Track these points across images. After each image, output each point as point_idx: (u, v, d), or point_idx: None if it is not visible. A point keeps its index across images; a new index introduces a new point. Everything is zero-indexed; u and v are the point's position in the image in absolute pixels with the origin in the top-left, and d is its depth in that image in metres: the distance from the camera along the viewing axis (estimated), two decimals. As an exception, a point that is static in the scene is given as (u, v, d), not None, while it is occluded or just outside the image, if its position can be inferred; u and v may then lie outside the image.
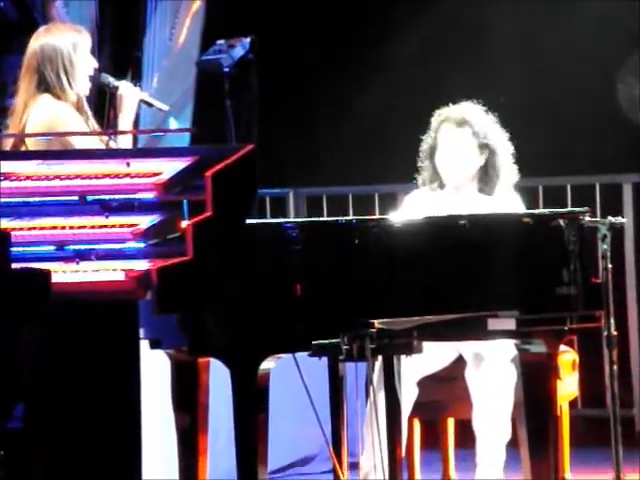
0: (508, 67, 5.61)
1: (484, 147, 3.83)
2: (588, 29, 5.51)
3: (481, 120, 3.84)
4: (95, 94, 3.87)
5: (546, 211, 3.46)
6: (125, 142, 3.77)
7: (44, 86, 3.74)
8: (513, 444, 3.64)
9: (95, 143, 3.73)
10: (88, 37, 3.82)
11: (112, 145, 3.76)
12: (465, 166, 3.83)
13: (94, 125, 3.79)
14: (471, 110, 3.85)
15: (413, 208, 3.84)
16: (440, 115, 3.87)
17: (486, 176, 3.84)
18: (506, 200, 3.83)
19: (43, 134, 3.67)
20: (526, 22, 5.64)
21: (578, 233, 3.34)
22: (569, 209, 3.66)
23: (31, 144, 3.69)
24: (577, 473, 3.72)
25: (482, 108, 3.86)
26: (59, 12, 4.69)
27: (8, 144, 3.76)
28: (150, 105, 3.93)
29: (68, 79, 3.73)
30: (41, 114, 3.72)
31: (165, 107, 3.97)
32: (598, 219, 3.44)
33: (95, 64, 3.82)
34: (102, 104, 3.90)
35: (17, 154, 3.53)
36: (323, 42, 5.88)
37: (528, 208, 3.85)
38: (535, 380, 3.32)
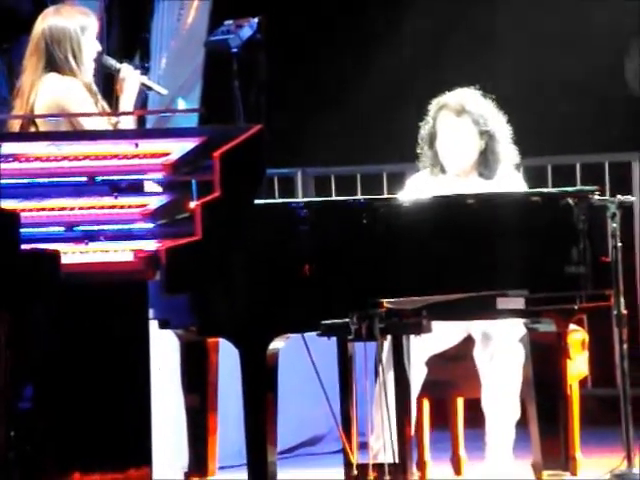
0: (518, 44, 5.58)
1: (484, 133, 3.82)
2: (601, 10, 5.48)
3: (479, 107, 3.83)
4: (99, 77, 3.87)
5: (555, 190, 3.45)
6: (127, 123, 3.77)
7: (51, 67, 3.73)
8: (522, 423, 3.64)
9: (104, 125, 3.72)
10: (95, 20, 3.82)
11: (120, 127, 3.76)
12: (466, 154, 3.83)
13: (104, 106, 3.79)
14: (469, 97, 3.84)
15: (416, 190, 3.84)
16: (438, 102, 3.86)
17: (486, 161, 3.84)
18: (507, 182, 3.83)
19: (51, 115, 3.67)
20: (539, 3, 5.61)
21: (587, 212, 3.34)
22: (578, 188, 3.65)
23: (40, 123, 3.69)
24: (587, 452, 3.72)
25: (479, 93, 3.85)
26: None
27: (16, 125, 3.76)
28: (150, 89, 3.93)
29: (76, 62, 3.72)
30: (49, 92, 3.71)
31: (164, 91, 3.97)
32: (607, 198, 3.43)
33: (99, 48, 3.82)
34: (106, 87, 3.90)
35: (26, 135, 3.53)
36: (330, 22, 5.86)
37: (537, 187, 3.84)
38: (545, 359, 3.33)
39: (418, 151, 3.91)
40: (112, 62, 3.86)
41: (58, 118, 3.65)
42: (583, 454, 3.65)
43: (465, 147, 3.83)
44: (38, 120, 3.68)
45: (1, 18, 4.64)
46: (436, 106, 3.87)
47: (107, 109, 3.79)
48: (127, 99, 3.82)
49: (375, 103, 5.79)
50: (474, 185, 3.84)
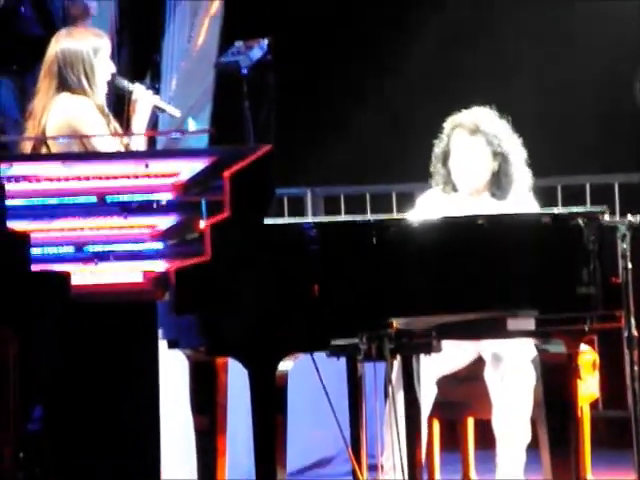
0: (529, 64, 5.58)
1: (497, 154, 3.82)
2: (608, 29, 5.48)
3: (494, 127, 3.83)
4: (111, 98, 3.89)
5: (565, 210, 3.44)
6: (138, 144, 3.78)
7: (64, 89, 3.75)
8: (533, 445, 3.62)
9: (116, 145, 3.74)
10: (108, 42, 3.84)
11: (131, 148, 3.77)
12: (479, 174, 3.84)
13: (117, 128, 3.80)
14: (484, 117, 3.84)
15: (426, 209, 3.84)
16: (453, 121, 3.87)
17: (498, 182, 3.84)
18: (520, 204, 3.83)
19: (62, 136, 3.68)
20: (546, 19, 5.61)
21: (597, 232, 3.33)
22: (588, 208, 3.64)
23: (52, 144, 3.70)
24: (598, 475, 3.70)
25: (494, 114, 3.86)
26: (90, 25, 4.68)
27: (28, 146, 3.77)
28: (162, 110, 3.95)
29: (89, 83, 3.74)
30: (61, 112, 3.73)
31: (177, 113, 3.99)
32: (617, 218, 3.42)
33: (113, 69, 3.83)
34: (118, 107, 3.92)
35: (37, 156, 3.55)
36: (340, 42, 5.88)
37: (547, 207, 3.83)
38: (555, 381, 3.31)
39: (431, 169, 3.91)
40: (125, 83, 3.88)
41: (70, 139, 3.66)
42: (594, 476, 3.64)
43: (478, 166, 3.83)
44: (50, 141, 3.70)
45: (12, 42, 4.67)
46: (451, 124, 3.87)
47: (119, 130, 3.80)
48: (139, 120, 3.84)
49: (385, 123, 5.80)
50: (486, 205, 3.84)
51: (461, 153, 3.83)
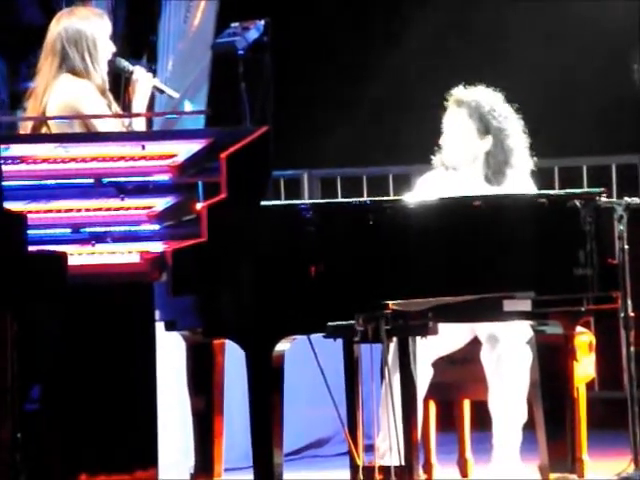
0: (526, 45, 5.57)
1: (485, 131, 3.78)
2: (612, 11, 5.46)
3: (483, 103, 3.78)
4: (111, 78, 3.88)
5: (562, 192, 3.44)
6: (139, 126, 3.78)
7: (67, 68, 3.74)
8: (529, 426, 3.63)
9: (116, 127, 3.73)
10: (109, 22, 3.83)
11: (132, 129, 3.76)
12: (460, 146, 3.78)
13: (117, 109, 3.79)
14: (475, 92, 3.81)
15: (425, 190, 3.83)
16: (451, 95, 3.86)
17: (491, 163, 3.79)
18: (518, 188, 3.79)
19: (63, 117, 3.67)
20: (555, 6, 5.59)
21: (594, 214, 3.33)
22: (585, 190, 3.64)
23: (52, 124, 3.69)
24: (594, 455, 3.71)
25: (497, 94, 3.82)
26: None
27: (28, 126, 3.76)
28: (162, 92, 3.94)
29: (92, 62, 3.73)
30: (62, 93, 3.72)
31: (176, 94, 3.98)
32: (614, 200, 3.42)
33: (113, 49, 3.82)
34: (117, 88, 3.91)
35: (33, 137, 3.54)
36: (336, 23, 5.86)
37: (544, 189, 3.82)
38: (551, 362, 3.32)
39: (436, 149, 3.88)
40: (125, 64, 3.87)
41: (70, 120, 3.65)
42: (590, 456, 3.65)
43: (459, 138, 3.78)
44: (50, 121, 3.69)
45: (20, 34, 4.66)
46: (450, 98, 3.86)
47: (119, 111, 3.79)
48: (139, 101, 3.83)
49: (381, 104, 5.79)
50: (478, 188, 3.81)
51: (446, 125, 3.81)
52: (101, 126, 3.65)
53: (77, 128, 3.66)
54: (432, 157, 3.88)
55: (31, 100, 3.76)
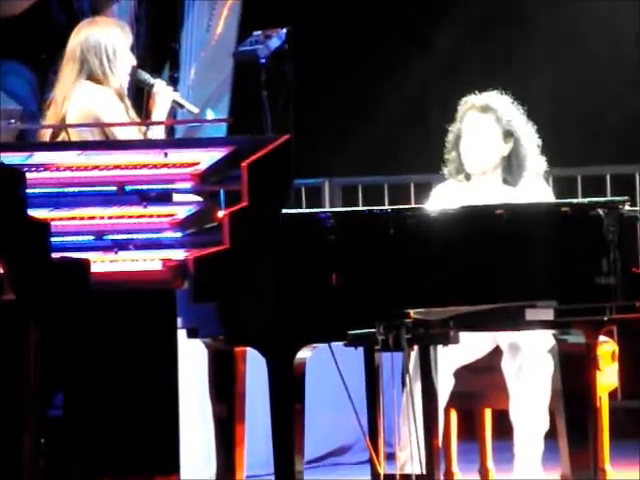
0: (548, 55, 5.56)
1: (508, 135, 3.81)
2: (632, 22, 5.45)
3: (506, 108, 3.82)
4: (132, 90, 3.91)
5: (585, 200, 3.43)
6: (157, 136, 3.80)
7: (85, 74, 3.77)
8: (551, 435, 3.62)
9: (134, 134, 3.75)
10: (130, 34, 3.86)
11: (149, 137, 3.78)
12: (488, 153, 3.82)
13: (134, 116, 3.82)
14: (496, 98, 3.84)
15: (440, 201, 3.83)
16: (466, 103, 3.87)
17: (510, 166, 3.82)
18: (532, 191, 3.81)
19: (82, 125, 3.70)
20: (571, 12, 5.58)
21: (617, 222, 3.31)
22: (608, 198, 3.63)
23: (72, 132, 3.72)
24: (617, 465, 3.69)
25: (508, 98, 3.85)
26: (114, 14, 4.72)
27: (47, 134, 3.79)
28: (181, 106, 3.97)
29: (110, 67, 3.76)
30: (81, 101, 3.75)
31: (195, 110, 4.00)
32: (638, 208, 3.40)
33: (134, 61, 3.85)
34: (138, 100, 3.94)
35: (57, 145, 3.56)
36: (357, 31, 5.87)
37: (567, 198, 3.82)
38: (574, 371, 3.30)
39: (445, 156, 3.90)
40: (146, 77, 3.90)
41: (90, 128, 3.68)
42: (612, 466, 3.63)
43: (488, 145, 3.81)
44: (70, 129, 3.72)
45: (42, 28, 4.69)
46: (463, 106, 3.87)
47: (136, 119, 3.81)
48: (159, 114, 3.86)
49: (402, 113, 5.79)
50: (498, 192, 3.82)
51: (472, 132, 3.82)
52: (120, 133, 3.67)
53: (96, 135, 3.69)
54: (443, 169, 3.89)
55: (51, 108, 3.79)
